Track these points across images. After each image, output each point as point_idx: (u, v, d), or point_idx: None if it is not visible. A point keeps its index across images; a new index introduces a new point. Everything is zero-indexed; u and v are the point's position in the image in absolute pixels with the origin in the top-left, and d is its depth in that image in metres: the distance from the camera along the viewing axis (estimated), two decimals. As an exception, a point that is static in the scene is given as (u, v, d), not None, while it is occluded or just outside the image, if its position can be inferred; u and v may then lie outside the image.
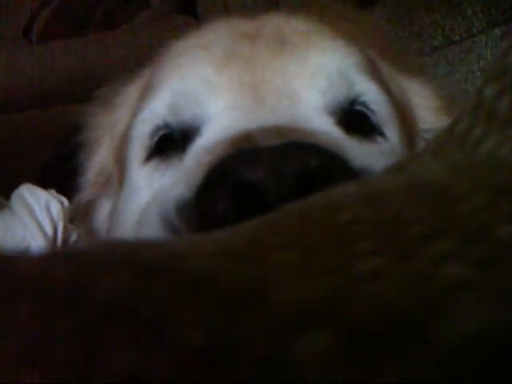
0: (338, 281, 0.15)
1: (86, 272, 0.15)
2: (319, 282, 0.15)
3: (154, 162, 0.57)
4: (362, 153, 0.47)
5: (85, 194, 0.72)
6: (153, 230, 0.47)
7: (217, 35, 0.60)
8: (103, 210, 0.71)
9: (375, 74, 0.59)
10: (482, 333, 0.12)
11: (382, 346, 0.12)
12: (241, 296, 0.14)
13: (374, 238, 0.18)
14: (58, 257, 0.17)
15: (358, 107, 0.56)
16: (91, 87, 0.74)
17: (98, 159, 0.71)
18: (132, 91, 0.69)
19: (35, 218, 0.94)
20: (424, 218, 0.18)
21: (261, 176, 0.39)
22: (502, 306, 0.13)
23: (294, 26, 0.60)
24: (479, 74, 1.12)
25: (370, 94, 0.56)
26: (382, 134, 0.57)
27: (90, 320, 0.14)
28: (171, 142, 0.56)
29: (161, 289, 0.14)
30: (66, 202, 0.98)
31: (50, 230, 0.94)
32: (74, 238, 0.94)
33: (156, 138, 0.57)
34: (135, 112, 0.62)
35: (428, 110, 0.66)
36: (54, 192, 1.01)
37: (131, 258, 0.16)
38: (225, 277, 0.15)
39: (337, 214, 0.21)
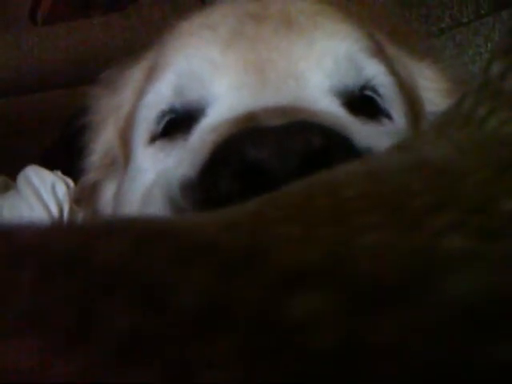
0: (339, 249, 0.15)
1: (86, 239, 0.15)
2: (320, 248, 0.15)
3: (159, 143, 0.57)
4: (366, 133, 0.46)
5: (90, 176, 0.72)
6: (157, 209, 0.47)
7: (222, 15, 0.60)
8: (108, 191, 0.71)
9: (382, 56, 0.59)
10: (481, 296, 0.12)
11: (383, 306, 0.12)
12: (241, 259, 0.14)
13: (376, 212, 0.18)
14: (58, 227, 0.18)
15: (368, 93, 0.55)
16: (96, 69, 0.74)
17: (103, 141, 0.71)
18: (137, 72, 0.69)
19: (41, 200, 0.95)
20: (427, 192, 0.18)
21: (265, 155, 0.39)
22: (503, 275, 0.13)
23: (299, 6, 0.60)
24: (487, 56, 1.11)
25: (379, 77, 0.56)
26: (388, 116, 0.57)
27: (90, 285, 0.14)
28: (176, 123, 0.56)
29: (161, 253, 0.15)
30: (71, 183, 0.98)
31: (55, 212, 0.94)
32: (79, 219, 0.94)
33: (162, 124, 0.57)
34: (140, 94, 0.62)
35: (435, 93, 0.65)
36: (59, 173, 1.01)
37: (132, 226, 0.16)
38: (226, 244, 0.15)
39: (340, 190, 0.21)
